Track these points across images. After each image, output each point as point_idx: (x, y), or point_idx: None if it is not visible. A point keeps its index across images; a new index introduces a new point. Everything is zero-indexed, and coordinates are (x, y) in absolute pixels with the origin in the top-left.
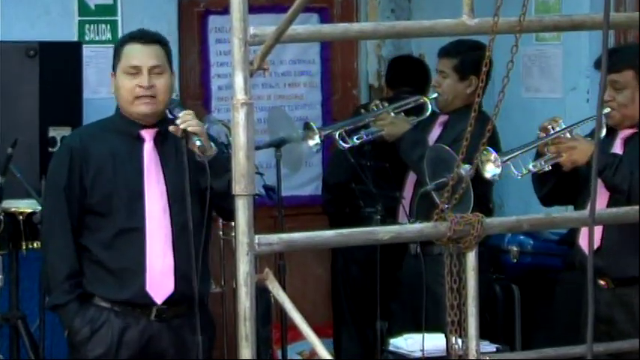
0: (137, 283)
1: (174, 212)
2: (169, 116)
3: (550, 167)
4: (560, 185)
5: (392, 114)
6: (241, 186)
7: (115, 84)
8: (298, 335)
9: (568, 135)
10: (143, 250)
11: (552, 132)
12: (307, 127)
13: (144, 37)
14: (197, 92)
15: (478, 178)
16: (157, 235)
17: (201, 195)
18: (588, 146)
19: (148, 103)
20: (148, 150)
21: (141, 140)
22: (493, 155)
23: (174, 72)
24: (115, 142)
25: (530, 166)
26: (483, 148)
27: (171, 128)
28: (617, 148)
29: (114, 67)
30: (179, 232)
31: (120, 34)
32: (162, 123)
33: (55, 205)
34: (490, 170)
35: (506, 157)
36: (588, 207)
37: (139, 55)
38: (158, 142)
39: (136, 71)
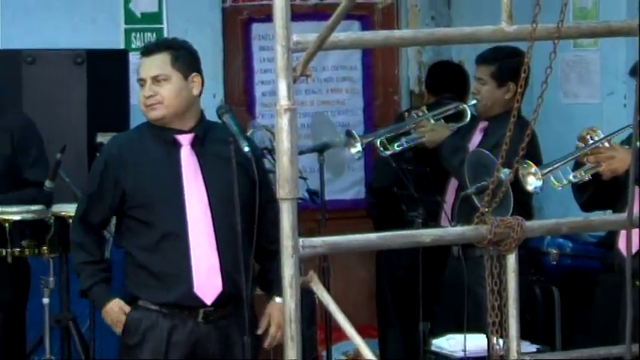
0: (184, 286)
1: (216, 214)
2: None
3: (590, 177)
4: (600, 192)
5: (432, 121)
6: (285, 190)
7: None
8: (342, 336)
9: (606, 144)
10: (187, 253)
11: (591, 142)
12: (349, 134)
13: (147, 49)
14: (241, 98)
15: (519, 188)
16: (199, 237)
17: (243, 199)
18: (627, 155)
19: (156, 109)
20: (186, 154)
21: (177, 145)
22: (534, 168)
23: (200, 74)
24: (152, 148)
25: (571, 177)
26: (524, 161)
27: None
28: None
29: None
30: (222, 234)
31: None
32: (198, 127)
33: (81, 204)
34: (532, 183)
35: (547, 170)
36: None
37: (142, 68)
38: (196, 145)
39: (143, 83)
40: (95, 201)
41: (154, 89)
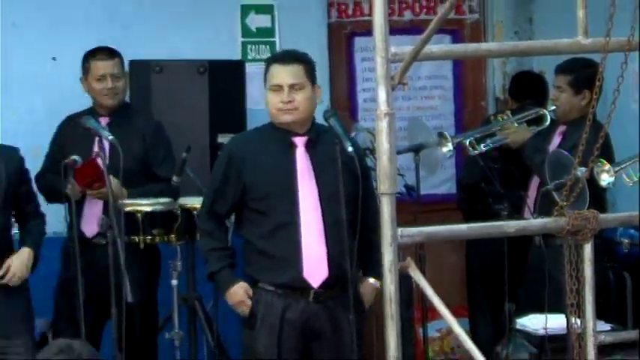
0: (295, 270)
1: (325, 208)
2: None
3: None
4: None
5: (515, 124)
6: (385, 185)
7: (265, 98)
8: (436, 315)
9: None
10: (298, 241)
11: None
12: (441, 135)
13: (284, 58)
14: (345, 104)
15: (594, 184)
16: (310, 228)
17: (348, 194)
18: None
19: (291, 114)
20: (300, 155)
21: (293, 146)
22: (607, 166)
23: (319, 85)
24: (271, 148)
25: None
26: (599, 160)
27: None
28: None
29: (265, 84)
30: (330, 225)
31: None
32: (312, 131)
33: (207, 197)
34: (605, 179)
35: (618, 167)
36: None
37: (279, 75)
38: (310, 147)
39: (277, 89)
40: (220, 194)
41: (292, 96)
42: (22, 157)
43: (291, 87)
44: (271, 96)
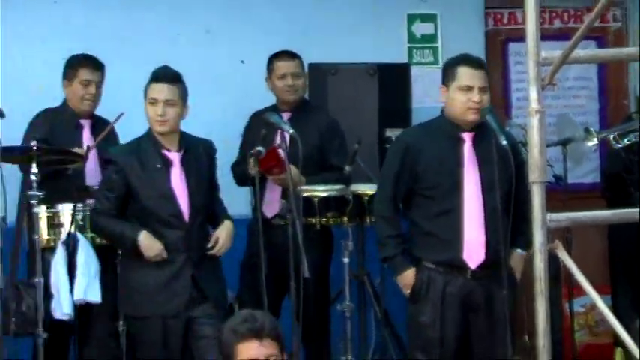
0: (455, 251)
1: (486, 197)
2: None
3: None
4: None
5: None
6: (535, 175)
7: (447, 96)
8: (581, 292)
9: None
10: (460, 225)
11: None
12: (587, 131)
13: (473, 62)
14: (500, 103)
15: None
16: (471, 214)
17: (503, 183)
18: None
19: (477, 114)
20: (468, 149)
21: (461, 141)
22: None
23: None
24: (440, 141)
25: None
26: None
27: None
28: None
29: (445, 82)
30: (489, 213)
31: (440, 58)
32: (478, 128)
33: (384, 185)
34: None
35: None
36: None
37: (472, 77)
38: (476, 142)
39: (467, 89)
40: (397, 182)
41: (481, 96)
42: (215, 149)
43: (480, 90)
44: (459, 95)
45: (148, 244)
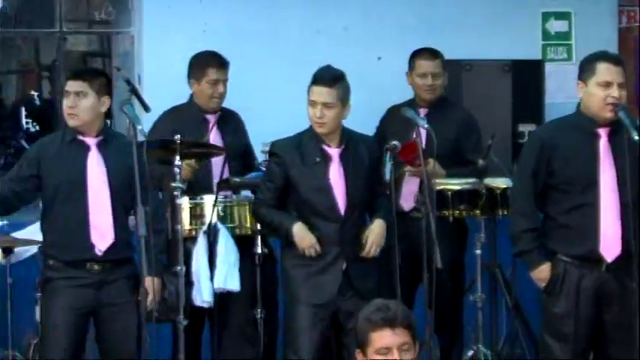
0: (592, 244)
1: (622, 192)
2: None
3: None
4: None
5: None
6: None
7: (585, 91)
8: None
9: None
10: (597, 219)
11: None
12: None
13: (612, 58)
14: (633, 98)
15: None
16: (608, 208)
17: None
18: None
19: (613, 109)
20: (603, 144)
21: (598, 136)
22: None
23: None
24: (576, 137)
25: None
26: None
27: None
28: None
29: (583, 78)
30: (624, 207)
31: (574, 55)
32: (614, 123)
33: (521, 180)
34: None
35: None
36: None
37: (611, 73)
38: (611, 137)
39: (607, 85)
40: (533, 178)
41: (620, 93)
42: (376, 146)
43: (620, 86)
44: (598, 91)
45: (302, 235)
